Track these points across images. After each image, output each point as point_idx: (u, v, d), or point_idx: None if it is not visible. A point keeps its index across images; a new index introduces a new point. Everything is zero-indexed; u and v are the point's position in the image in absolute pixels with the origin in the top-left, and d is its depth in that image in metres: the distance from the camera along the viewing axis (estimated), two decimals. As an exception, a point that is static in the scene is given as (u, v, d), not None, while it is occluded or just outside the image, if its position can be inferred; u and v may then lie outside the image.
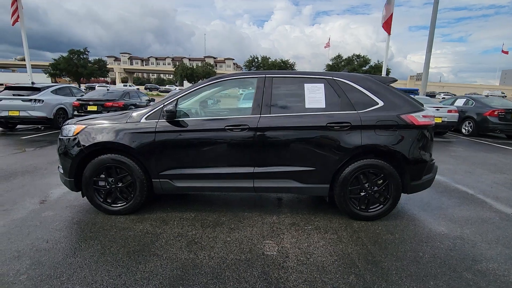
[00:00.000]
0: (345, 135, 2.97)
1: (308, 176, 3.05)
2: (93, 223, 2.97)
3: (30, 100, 8.67)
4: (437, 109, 8.90)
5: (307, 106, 3.06)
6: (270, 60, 41.60)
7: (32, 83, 9.69)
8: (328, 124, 2.96)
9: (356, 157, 3.02)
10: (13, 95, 8.85)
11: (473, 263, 2.40)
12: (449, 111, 8.87)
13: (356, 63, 41.63)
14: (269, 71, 3.24)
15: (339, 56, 44.37)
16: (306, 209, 3.43)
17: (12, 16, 11.68)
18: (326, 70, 43.19)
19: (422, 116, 3.05)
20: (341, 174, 3.02)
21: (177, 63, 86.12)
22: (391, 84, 3.38)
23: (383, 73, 13.93)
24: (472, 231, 2.96)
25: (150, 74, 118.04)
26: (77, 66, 42.67)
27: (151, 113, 3.07)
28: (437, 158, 6.16)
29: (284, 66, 41.07)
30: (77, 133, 3.07)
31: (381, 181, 3.06)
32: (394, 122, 2.99)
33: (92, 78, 49.81)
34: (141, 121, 3.05)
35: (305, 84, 3.11)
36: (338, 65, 41.90)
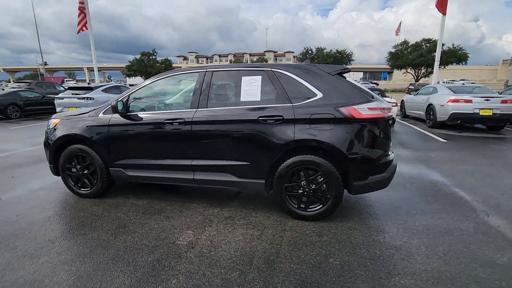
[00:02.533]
0: (278, 129, 2.84)
1: (243, 170, 3.01)
2: (65, 202, 3.47)
3: (84, 98, 10.18)
4: (487, 99, 7.47)
5: (242, 99, 3.00)
6: (325, 51, 39.89)
7: (88, 83, 11.33)
8: (259, 118, 2.86)
9: (293, 153, 2.86)
10: (72, 94, 10.51)
11: (385, 276, 2.10)
12: (504, 101, 7.35)
13: (425, 48, 37.03)
14: (210, 65, 3.27)
15: (405, 42, 40.05)
16: (255, 204, 3.38)
17: (78, 25, 13.74)
18: (388, 58, 39.60)
19: (368, 108, 2.71)
20: (276, 170, 2.91)
21: (239, 59, 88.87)
22: (345, 74, 3.09)
23: (437, 57, 12.21)
24: (421, 242, 2.55)
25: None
26: (147, 67, 47.83)
27: (107, 109, 3.41)
28: (461, 156, 5.32)
29: (340, 56, 38.93)
30: (54, 126, 3.60)
31: (321, 179, 2.84)
32: (331, 115, 2.73)
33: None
34: (99, 115, 3.41)
35: (242, 77, 3.05)
36: (403, 51, 37.86)
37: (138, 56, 49.15)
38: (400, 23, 39.30)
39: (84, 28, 13.91)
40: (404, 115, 11.26)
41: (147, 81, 3.46)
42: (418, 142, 6.93)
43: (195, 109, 3.09)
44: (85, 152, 3.45)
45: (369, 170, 2.79)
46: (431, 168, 4.75)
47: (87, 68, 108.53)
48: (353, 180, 2.79)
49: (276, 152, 2.86)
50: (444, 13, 11.53)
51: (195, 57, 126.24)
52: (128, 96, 3.35)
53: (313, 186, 2.86)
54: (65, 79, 54.66)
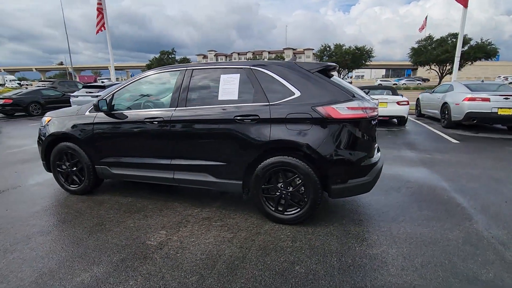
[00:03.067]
0: (254, 129, 2.75)
1: (221, 171, 2.95)
2: (54, 198, 3.57)
3: (96, 96, 10.52)
4: (506, 98, 6.93)
5: (219, 98, 2.93)
6: (344, 47, 38.86)
7: (102, 82, 11.68)
8: (235, 117, 2.79)
9: (270, 154, 2.76)
10: (86, 92, 10.89)
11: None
12: (526, 99, 6.79)
13: (450, 43, 35.15)
14: (191, 63, 3.22)
15: (429, 37, 38.23)
16: (237, 205, 3.31)
17: (97, 26, 14.20)
18: (410, 54, 38.02)
19: (347, 108, 2.56)
20: (254, 171, 2.82)
21: (257, 57, 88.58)
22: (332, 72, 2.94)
23: (457, 53, 11.53)
24: (400, 251, 2.37)
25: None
26: (166, 65, 48.76)
27: (92, 107, 3.45)
28: (470, 159, 4.96)
29: (359, 53, 37.78)
30: (46, 124, 3.70)
31: (298, 181, 2.73)
32: (307, 115, 2.60)
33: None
34: (86, 114, 3.47)
35: (221, 76, 2.98)
36: (426, 47, 36.13)
37: (158, 55, 50.37)
38: (426, 18, 37.54)
39: (102, 28, 14.36)
40: (419, 114, 10.74)
41: (132, 79, 3.47)
42: (427, 143, 6.56)
43: (174, 108, 3.06)
44: (74, 150, 3.52)
45: (348, 173, 2.64)
46: (434, 171, 4.46)
47: (114, 67, 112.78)
48: (332, 183, 2.65)
49: (253, 153, 2.78)
50: (465, 6, 10.84)
51: (214, 55, 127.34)
52: (113, 94, 3.37)
53: (290, 189, 2.75)
54: (97, 78, 56.86)
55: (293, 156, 2.68)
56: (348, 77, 47.44)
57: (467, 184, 3.89)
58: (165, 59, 50.38)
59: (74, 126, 3.47)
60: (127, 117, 3.25)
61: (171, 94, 3.17)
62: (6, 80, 54.91)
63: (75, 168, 3.59)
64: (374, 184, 2.75)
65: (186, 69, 3.14)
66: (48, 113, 3.91)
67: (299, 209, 2.76)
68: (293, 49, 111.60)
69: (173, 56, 51.39)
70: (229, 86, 2.92)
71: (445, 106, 8.21)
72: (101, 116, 3.35)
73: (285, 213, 2.82)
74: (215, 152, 2.94)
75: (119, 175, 3.43)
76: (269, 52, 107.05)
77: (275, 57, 54.09)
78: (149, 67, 50.56)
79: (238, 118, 2.77)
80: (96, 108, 3.24)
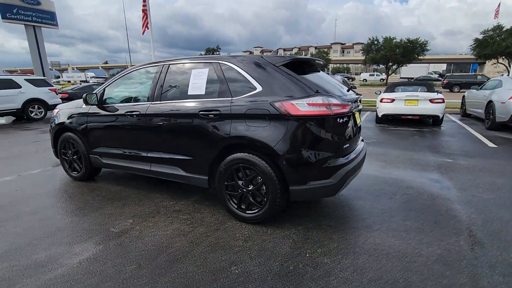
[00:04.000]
0: (216, 124, 2.71)
1: (189, 165, 2.98)
2: (60, 182, 3.95)
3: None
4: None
5: (189, 93, 2.94)
6: (394, 40, 35.94)
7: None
8: (200, 112, 2.78)
9: (233, 150, 2.71)
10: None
11: (274, 295, 1.84)
12: None
13: (524, 33, 30.38)
14: (169, 59, 3.26)
15: (498, 27, 33.49)
16: (213, 200, 3.30)
17: (142, 26, 15.26)
18: (473, 46, 33.83)
19: (307, 104, 2.38)
20: (218, 167, 2.79)
21: (303, 53, 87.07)
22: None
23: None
24: (354, 263, 2.15)
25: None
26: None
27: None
28: (499, 166, 4.28)
29: (411, 46, 34.54)
30: (55, 115, 4.10)
31: (260, 180, 2.63)
32: (266, 110, 2.48)
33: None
34: (82, 106, 3.75)
35: (192, 70, 2.99)
36: (494, 38, 31.66)
37: (203, 52, 52.25)
38: (499, 5, 32.97)
39: (146, 28, 15.40)
40: (464, 114, 9.54)
41: (120, 74, 3.66)
42: (457, 146, 5.80)
43: (150, 102, 3.16)
44: (74, 140, 3.85)
45: (308, 174, 2.46)
46: (447, 177, 3.94)
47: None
48: (291, 183, 2.50)
49: (215, 149, 2.74)
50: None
51: (260, 52, 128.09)
52: (104, 89, 3.59)
53: (251, 187, 2.66)
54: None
55: (253, 153, 2.59)
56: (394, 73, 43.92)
57: (480, 195, 3.35)
58: (210, 56, 52.13)
59: (73, 118, 3.79)
60: (114, 110, 3.44)
61: (149, 88, 3.27)
62: (88, 77, 60.70)
63: (75, 156, 3.93)
64: (340, 187, 2.52)
65: (163, 64, 3.21)
66: (58, 105, 4.33)
67: (258, 209, 2.66)
68: (342, 44, 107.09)
69: (218, 53, 52.84)
70: (198, 81, 2.91)
71: (490, 105, 7.16)
72: (93, 109, 3.60)
73: (247, 211, 2.74)
74: (183, 146, 2.97)
75: (108, 165, 3.66)
76: (315, 48, 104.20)
77: (317, 53, 52.33)
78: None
79: (202, 113, 2.76)
80: (85, 101, 3.49)
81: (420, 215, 2.89)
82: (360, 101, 3.25)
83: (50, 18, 16.50)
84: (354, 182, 3.77)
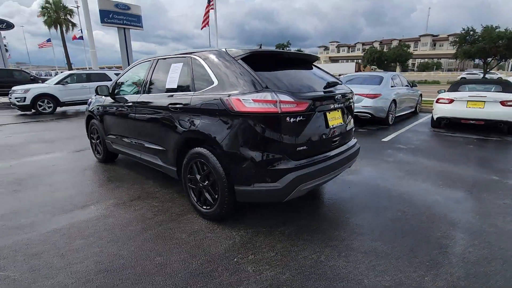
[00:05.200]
0: (180, 118, 2.77)
1: (164, 156, 3.12)
2: (92, 162, 4.61)
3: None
4: None
5: (166, 86, 3.06)
6: (497, 30, 29.71)
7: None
8: (169, 105, 2.87)
9: (196, 143, 2.72)
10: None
11: (170, 292, 1.82)
12: None
13: None
14: (162, 54, 3.41)
15: None
16: (191, 192, 3.39)
17: (202, 23, 16.35)
18: None
19: (252, 100, 2.23)
20: (182, 159, 2.86)
21: (385, 46, 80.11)
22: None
23: None
24: (277, 277, 1.96)
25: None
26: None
27: (101, 91, 4.18)
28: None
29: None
30: (88, 103, 4.76)
31: (213, 176, 2.59)
32: (215, 105, 2.43)
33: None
34: (102, 97, 4.26)
35: (172, 64, 3.09)
36: None
37: (273, 48, 52.72)
38: None
39: (207, 25, 16.45)
40: None
41: (127, 68, 4.01)
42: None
43: (139, 95, 3.39)
44: (96, 125, 4.42)
45: (252, 175, 2.31)
46: (473, 198, 3.18)
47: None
48: (235, 183, 2.39)
49: (179, 141, 2.81)
50: None
51: (336, 47, 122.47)
52: (116, 81, 4.01)
53: (206, 183, 2.64)
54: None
55: (208, 148, 2.56)
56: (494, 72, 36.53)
57: (502, 226, 2.61)
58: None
59: (96, 107, 4.34)
60: (118, 101, 3.81)
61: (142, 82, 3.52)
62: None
63: (98, 141, 4.51)
64: (287, 193, 2.29)
65: (154, 59, 3.40)
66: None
67: (211, 206, 2.63)
68: (433, 36, 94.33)
69: (288, 49, 52.54)
70: (173, 75, 3.00)
71: None
72: (107, 100, 4.05)
73: (203, 206, 2.73)
74: (159, 137, 3.12)
75: (116, 150, 4.08)
76: (400, 40, 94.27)
77: (397, 46, 46.92)
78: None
79: (171, 106, 2.84)
80: (96, 92, 3.95)
81: (399, 238, 2.43)
82: (347, 98, 2.88)
83: (137, 20, 18.85)
84: (347, 190, 3.40)
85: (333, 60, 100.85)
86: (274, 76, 2.46)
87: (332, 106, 2.62)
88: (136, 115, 3.40)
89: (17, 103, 10.08)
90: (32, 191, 3.42)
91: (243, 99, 2.26)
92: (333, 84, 2.90)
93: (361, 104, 7.11)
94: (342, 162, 2.75)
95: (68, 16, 33.42)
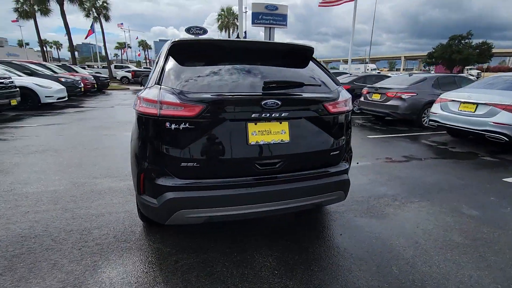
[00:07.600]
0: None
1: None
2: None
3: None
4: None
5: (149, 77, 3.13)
6: None
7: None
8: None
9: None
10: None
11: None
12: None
13: None
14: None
15: None
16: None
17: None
18: None
19: (143, 98, 1.97)
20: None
21: None
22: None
23: None
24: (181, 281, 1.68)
25: None
26: (452, 52, 40.07)
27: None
28: None
29: None
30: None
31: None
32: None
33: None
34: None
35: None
36: None
37: (446, 41, 42.61)
38: None
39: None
40: None
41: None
42: None
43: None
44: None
45: (140, 184, 2.03)
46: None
47: (404, 57, 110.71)
48: (136, 191, 2.17)
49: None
50: None
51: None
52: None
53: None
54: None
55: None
56: None
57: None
58: (454, 45, 41.38)
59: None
60: None
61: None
62: (369, 69, 62.60)
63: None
64: (165, 215, 1.88)
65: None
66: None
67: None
68: None
69: (466, 42, 41.03)
70: (154, 67, 3.02)
71: None
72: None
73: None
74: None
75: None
76: None
77: None
78: (430, 55, 44.08)
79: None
80: (140, 84, 4.50)
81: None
82: (314, 106, 2.05)
83: (282, 20, 19.98)
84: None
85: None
86: (202, 71, 2.05)
87: (260, 115, 1.90)
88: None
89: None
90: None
91: (139, 95, 2.04)
92: (297, 85, 2.08)
93: (494, 120, 4.65)
94: (281, 195, 1.98)
95: (235, 20, 39.95)
